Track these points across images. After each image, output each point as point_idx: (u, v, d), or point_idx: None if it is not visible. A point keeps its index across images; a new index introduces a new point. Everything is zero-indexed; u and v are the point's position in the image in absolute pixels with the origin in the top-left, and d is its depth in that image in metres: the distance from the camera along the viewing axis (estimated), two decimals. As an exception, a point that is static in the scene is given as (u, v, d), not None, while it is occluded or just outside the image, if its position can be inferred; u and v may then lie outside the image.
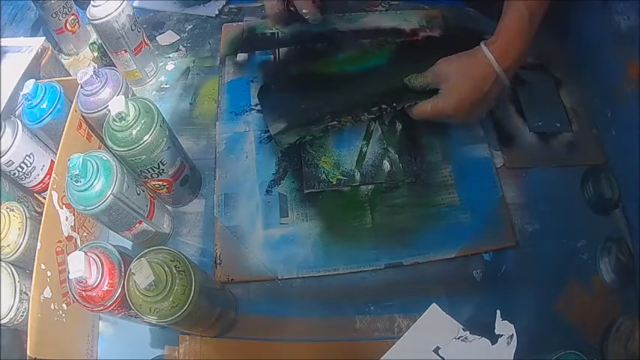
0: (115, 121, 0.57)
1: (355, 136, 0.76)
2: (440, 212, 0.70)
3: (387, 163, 0.73)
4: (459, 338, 0.60)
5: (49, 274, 0.56)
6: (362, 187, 0.72)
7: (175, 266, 0.50)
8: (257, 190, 0.73)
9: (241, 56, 0.87)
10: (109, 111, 0.57)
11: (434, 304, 0.62)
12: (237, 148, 0.77)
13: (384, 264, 0.66)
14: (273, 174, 0.74)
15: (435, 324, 0.61)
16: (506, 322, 0.59)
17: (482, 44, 0.65)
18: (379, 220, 0.69)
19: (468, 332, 0.60)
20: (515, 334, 0.58)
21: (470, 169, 0.73)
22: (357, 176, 0.72)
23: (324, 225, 0.69)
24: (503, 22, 0.64)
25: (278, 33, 0.90)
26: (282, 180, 0.73)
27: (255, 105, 0.81)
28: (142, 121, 0.58)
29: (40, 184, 0.69)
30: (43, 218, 0.57)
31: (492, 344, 0.58)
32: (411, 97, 0.70)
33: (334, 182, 0.72)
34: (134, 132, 0.58)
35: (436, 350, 0.59)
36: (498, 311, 0.60)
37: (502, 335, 0.59)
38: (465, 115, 0.68)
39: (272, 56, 0.87)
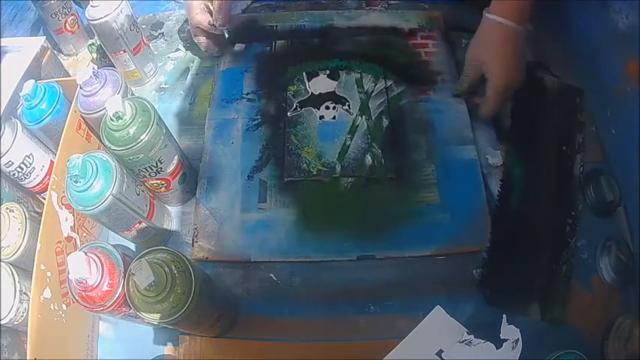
0: (112, 120, 0.57)
1: (340, 129, 0.77)
2: (418, 210, 0.70)
3: (370, 158, 0.74)
4: (462, 342, 0.59)
5: (48, 274, 0.56)
6: (342, 179, 0.73)
7: (175, 266, 0.50)
8: (239, 175, 0.74)
9: (239, 46, 0.88)
10: (106, 110, 0.57)
11: (438, 306, 0.62)
12: (225, 134, 0.78)
13: (356, 256, 0.67)
14: (256, 160, 0.75)
15: (439, 326, 0.61)
16: (511, 326, 0.58)
17: (485, 13, 0.71)
18: (356, 212, 0.70)
19: (472, 336, 0.59)
20: (520, 339, 0.58)
21: (454, 170, 0.73)
22: (338, 168, 0.73)
23: (301, 213, 0.70)
24: None
25: (277, 26, 0.91)
26: (264, 167, 0.75)
27: (247, 94, 0.82)
28: (139, 120, 0.58)
29: (40, 185, 0.69)
30: (42, 219, 0.57)
31: (497, 348, 0.58)
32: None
33: (314, 172, 0.73)
34: (131, 131, 0.58)
35: (439, 353, 0.59)
36: (505, 316, 0.59)
37: (507, 340, 0.58)
38: (518, 76, 0.71)
39: (268, 48, 0.88)
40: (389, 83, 0.81)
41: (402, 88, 0.80)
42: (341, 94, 0.80)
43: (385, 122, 0.77)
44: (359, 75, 0.82)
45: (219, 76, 0.85)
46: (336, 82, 0.81)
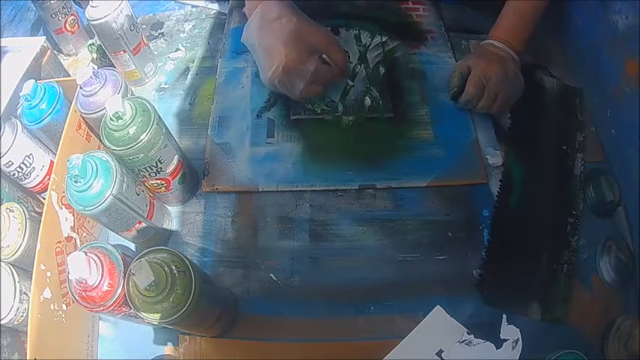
0: (112, 120, 0.57)
1: None
2: (415, 144, 0.75)
3: (369, 99, 0.80)
4: (462, 342, 0.59)
5: (48, 274, 0.56)
6: (344, 117, 0.78)
7: (175, 266, 0.50)
8: (249, 114, 0.80)
9: None
10: (106, 110, 0.57)
11: (438, 306, 0.62)
12: (235, 80, 0.84)
13: (357, 184, 0.72)
14: (264, 102, 0.81)
15: (439, 326, 0.61)
16: (511, 326, 0.59)
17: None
18: (357, 146, 0.76)
19: (472, 336, 0.59)
20: (520, 339, 0.58)
21: (446, 112, 0.78)
22: (340, 108, 0.79)
23: (306, 146, 0.76)
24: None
25: None
26: (272, 107, 0.80)
27: None
28: (139, 120, 0.58)
29: (40, 185, 0.69)
30: (42, 219, 0.57)
31: (497, 348, 0.58)
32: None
33: (319, 111, 0.79)
34: (131, 131, 0.58)
35: (439, 353, 0.59)
36: (505, 316, 0.59)
37: (507, 340, 0.58)
38: (495, 69, 0.73)
39: None
40: (384, 39, 0.87)
41: (397, 42, 0.87)
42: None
43: (382, 70, 0.83)
44: (357, 31, 0.88)
45: (230, 33, 0.91)
46: (337, 37, 0.86)
